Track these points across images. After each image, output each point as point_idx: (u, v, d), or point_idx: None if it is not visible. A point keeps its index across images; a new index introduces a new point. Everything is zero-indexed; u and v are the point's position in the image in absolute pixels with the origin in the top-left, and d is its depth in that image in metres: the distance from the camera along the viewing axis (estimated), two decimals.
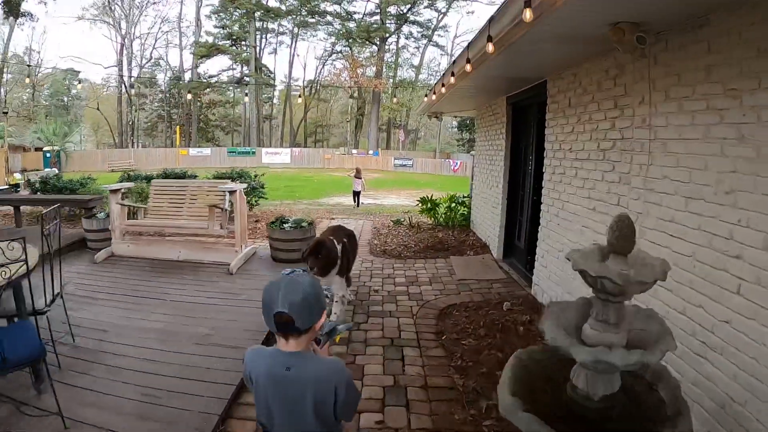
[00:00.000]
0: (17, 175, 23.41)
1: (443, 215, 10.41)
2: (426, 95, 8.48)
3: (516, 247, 7.14)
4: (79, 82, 40.69)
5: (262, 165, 38.38)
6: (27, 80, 38.25)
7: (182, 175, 11.02)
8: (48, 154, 32.72)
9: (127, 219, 8.01)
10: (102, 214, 8.21)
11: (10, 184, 21.34)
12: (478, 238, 8.88)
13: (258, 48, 48.34)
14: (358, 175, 16.65)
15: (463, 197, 10.81)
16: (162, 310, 5.19)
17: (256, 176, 11.30)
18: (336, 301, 4.61)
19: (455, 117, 47.54)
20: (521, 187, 6.96)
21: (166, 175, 11.06)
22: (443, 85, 5.81)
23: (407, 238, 9.08)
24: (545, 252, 5.38)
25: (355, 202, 16.42)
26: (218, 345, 4.30)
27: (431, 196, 10.85)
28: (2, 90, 39.09)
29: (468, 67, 4.31)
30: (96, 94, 48.73)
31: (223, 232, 6.77)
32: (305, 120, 54.27)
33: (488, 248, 8.05)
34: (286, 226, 7.09)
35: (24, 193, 13.43)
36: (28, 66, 43.54)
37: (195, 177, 11.47)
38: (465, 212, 10.24)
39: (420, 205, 10.90)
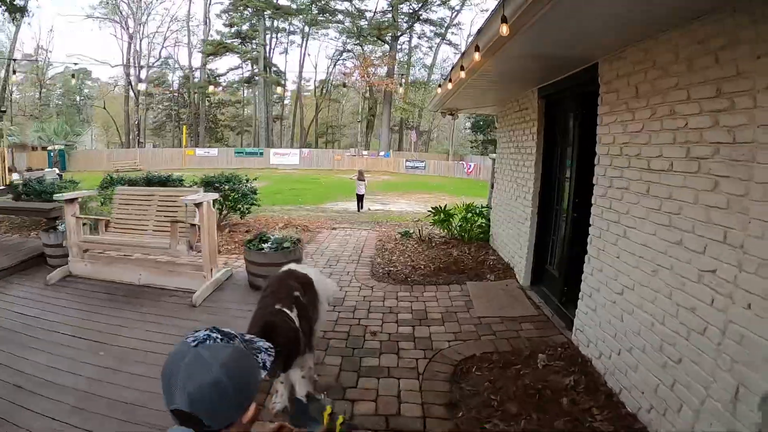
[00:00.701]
0: (15, 176, 22.65)
1: (458, 227, 9.11)
2: (440, 85, 7.19)
3: (547, 273, 5.83)
4: (78, 80, 40.14)
5: (270, 166, 37.47)
6: (34, 78, 37.69)
7: (165, 180, 9.87)
8: (52, 154, 32.11)
9: (91, 233, 6.91)
10: (62, 226, 7.09)
11: (6, 185, 20.67)
12: (500, 257, 7.56)
13: (268, 47, 47.54)
14: (360, 177, 15.49)
15: (481, 207, 9.50)
16: (96, 358, 4.04)
17: (248, 180, 10.10)
18: (302, 377, 3.29)
19: (470, 116, 46.35)
20: (556, 200, 5.64)
21: (148, 181, 9.94)
22: (462, 68, 4.54)
23: (416, 256, 7.80)
24: (594, 290, 4.07)
25: (358, 205, 15.26)
26: (144, 425, 3.08)
27: (444, 206, 9.54)
28: (10, 88, 38.61)
29: (504, 30, 3.02)
30: (103, 93, 48.25)
31: (184, 252, 5.56)
32: (316, 120, 53.28)
33: (512, 271, 6.74)
34: (265, 246, 5.87)
35: None
36: (36, 64, 43.23)
37: (181, 181, 10.33)
38: (483, 225, 8.93)
39: (432, 215, 9.61)
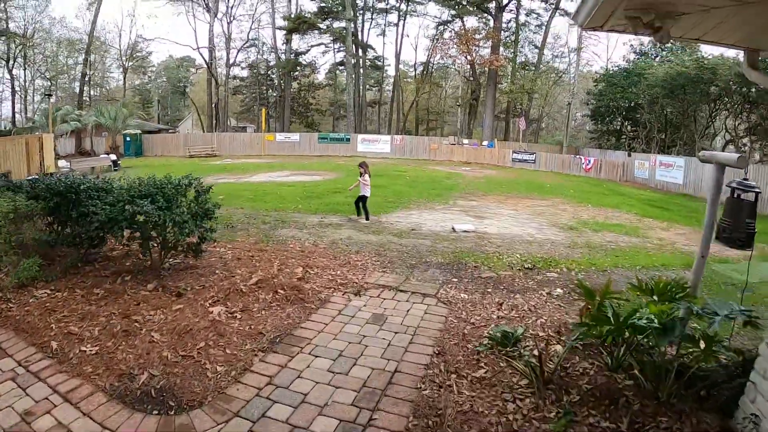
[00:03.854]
0: (62, 163, 20.77)
1: (630, 343, 3.52)
2: None
3: None
4: (180, 67, 39.02)
5: (358, 154, 33.16)
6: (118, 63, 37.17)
7: None
8: (128, 138, 30.84)
9: None
10: None
11: (45, 173, 18.66)
12: None
13: (363, 28, 43.49)
14: (364, 170, 10.29)
15: (682, 284, 3.75)
16: None
17: (208, 189, 5.40)
18: None
19: (589, 101, 38.04)
20: None
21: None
22: None
23: None
24: None
25: (360, 212, 10.19)
26: None
27: (586, 286, 4.00)
28: (89, 73, 38.50)
29: None
30: (201, 79, 47.53)
31: None
32: (416, 105, 48.32)
33: None
34: None
35: None
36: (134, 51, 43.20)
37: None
38: (715, 338, 3.24)
39: (578, 298, 4.19)
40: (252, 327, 4.34)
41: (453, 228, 9.74)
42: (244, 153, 32.75)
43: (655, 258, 7.93)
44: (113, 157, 24.16)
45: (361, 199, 10.27)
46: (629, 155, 27.01)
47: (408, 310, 4.97)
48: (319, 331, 4.37)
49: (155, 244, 5.19)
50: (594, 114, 37.82)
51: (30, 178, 17.60)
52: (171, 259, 5.92)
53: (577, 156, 29.33)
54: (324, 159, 29.48)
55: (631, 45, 36.82)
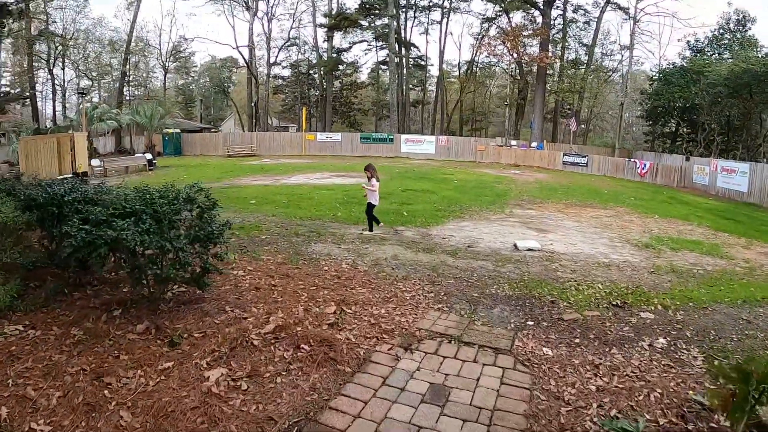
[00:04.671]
0: (95, 162, 20.48)
1: None
2: None
3: None
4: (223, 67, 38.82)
5: (401, 155, 31.89)
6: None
7: None
8: (167, 137, 30.69)
9: None
10: None
11: (75, 173, 18.28)
12: None
13: (405, 27, 42.13)
14: (371, 174, 8.82)
15: None
16: None
17: (213, 205, 4.17)
18: None
19: (643, 101, 35.19)
20: None
21: None
22: None
23: None
24: None
25: (370, 226, 8.75)
26: None
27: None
28: (128, 73, 38.75)
29: None
30: (231, 78, 47.43)
31: None
32: (460, 105, 46.48)
33: None
34: None
35: None
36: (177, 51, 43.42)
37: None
38: None
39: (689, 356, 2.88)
40: (260, 407, 3.06)
41: (515, 245, 8.24)
42: (284, 153, 32.00)
43: (754, 288, 6.50)
44: (149, 156, 23.79)
45: (369, 207, 8.91)
46: (687, 159, 24.80)
47: (477, 379, 3.58)
48: (355, 416, 3.04)
49: (148, 275, 3.99)
50: (649, 115, 34.94)
51: (61, 177, 17.35)
52: (175, 287, 4.74)
53: (631, 160, 27.17)
54: (366, 160, 28.05)
55: (687, 41, 33.75)
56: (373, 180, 8.88)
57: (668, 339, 4.64)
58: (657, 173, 23.48)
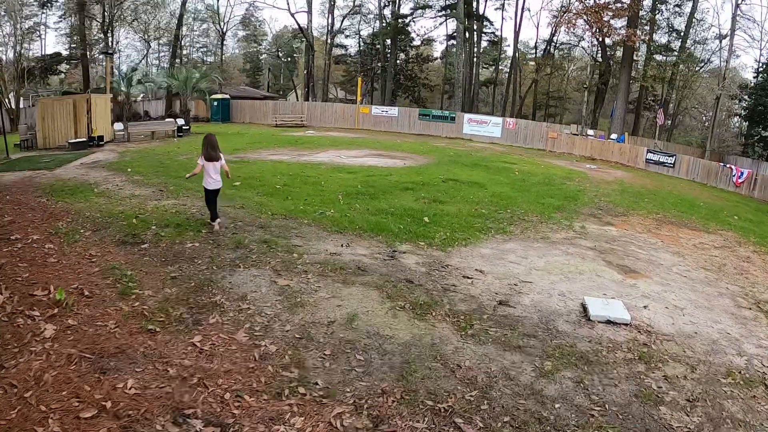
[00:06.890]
0: (117, 126, 19.13)
1: None
2: None
3: None
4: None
5: (462, 136, 28.34)
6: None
7: None
8: (215, 103, 28.99)
9: None
10: None
11: (91, 136, 16.73)
12: None
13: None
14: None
15: None
16: None
17: None
18: None
19: (742, 98, 28.85)
20: None
21: None
22: None
23: None
24: None
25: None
26: None
27: None
28: (181, 38, 37.20)
29: None
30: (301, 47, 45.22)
31: None
32: (535, 86, 41.56)
33: None
34: None
35: None
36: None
37: None
38: None
39: None
40: None
41: (584, 307, 4.87)
42: (334, 125, 29.78)
43: None
44: (181, 121, 21.87)
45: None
46: None
47: None
48: None
49: None
50: (751, 114, 28.73)
51: (73, 141, 15.75)
52: None
53: (726, 165, 23.59)
54: (421, 139, 25.54)
55: None
56: (200, 159, 6.98)
57: None
58: (755, 185, 20.33)
